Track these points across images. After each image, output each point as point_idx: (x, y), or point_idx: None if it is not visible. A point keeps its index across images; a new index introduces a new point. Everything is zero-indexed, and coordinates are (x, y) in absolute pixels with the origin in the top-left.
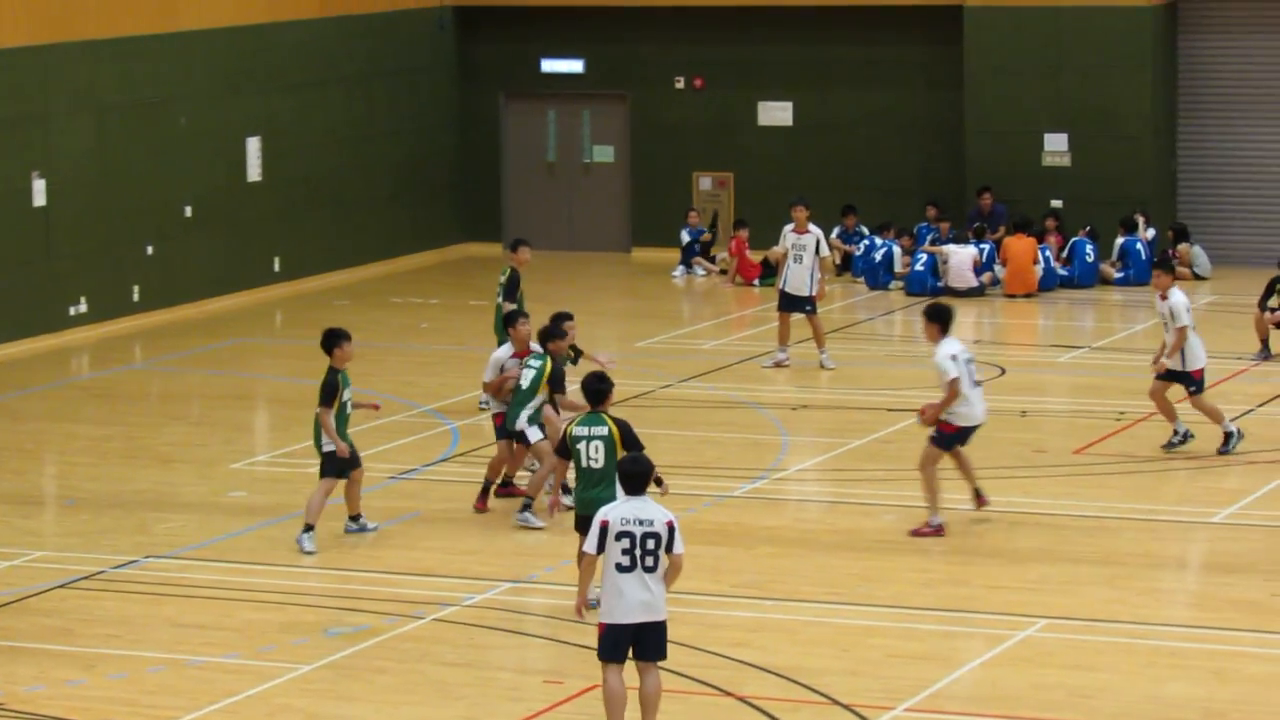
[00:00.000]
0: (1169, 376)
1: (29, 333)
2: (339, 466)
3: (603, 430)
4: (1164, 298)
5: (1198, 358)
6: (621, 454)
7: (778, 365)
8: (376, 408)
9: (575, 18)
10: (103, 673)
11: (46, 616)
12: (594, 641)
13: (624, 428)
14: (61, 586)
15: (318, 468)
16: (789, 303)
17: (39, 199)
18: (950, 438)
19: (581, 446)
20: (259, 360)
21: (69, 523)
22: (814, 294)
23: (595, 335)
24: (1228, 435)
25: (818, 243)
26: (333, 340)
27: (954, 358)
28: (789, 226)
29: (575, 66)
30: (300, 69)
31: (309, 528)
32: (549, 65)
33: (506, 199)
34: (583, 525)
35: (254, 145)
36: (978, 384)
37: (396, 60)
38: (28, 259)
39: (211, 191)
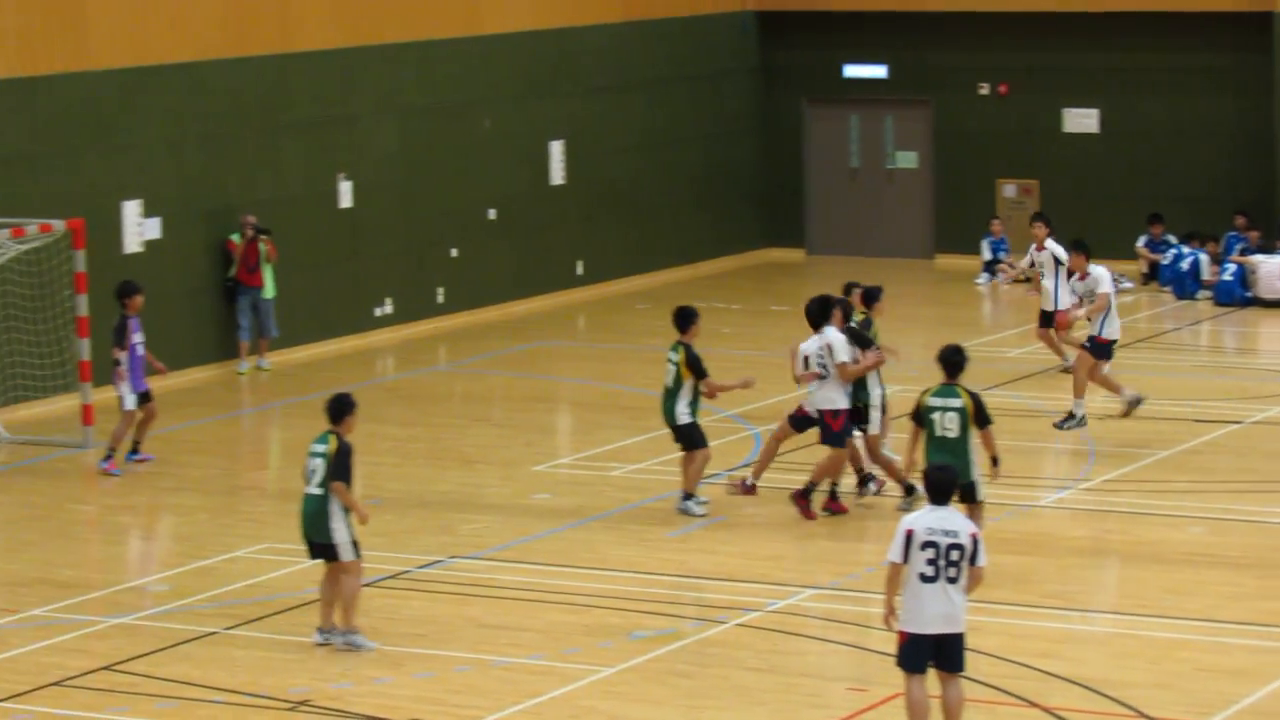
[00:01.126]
0: None
1: (335, 333)
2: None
3: (957, 402)
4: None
5: None
6: (973, 427)
7: (1065, 371)
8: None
9: (878, 23)
10: (409, 671)
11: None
12: (895, 651)
13: (977, 401)
14: (368, 585)
15: (620, 471)
16: (1044, 319)
17: (345, 201)
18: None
19: (936, 417)
20: (560, 363)
21: (374, 523)
22: (1059, 309)
23: (901, 343)
24: None
25: (1054, 259)
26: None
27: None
28: (1033, 245)
29: (878, 72)
30: (602, 73)
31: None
32: (851, 70)
33: (809, 204)
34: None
35: (557, 149)
36: None
37: (699, 65)
38: (334, 260)
39: (514, 195)
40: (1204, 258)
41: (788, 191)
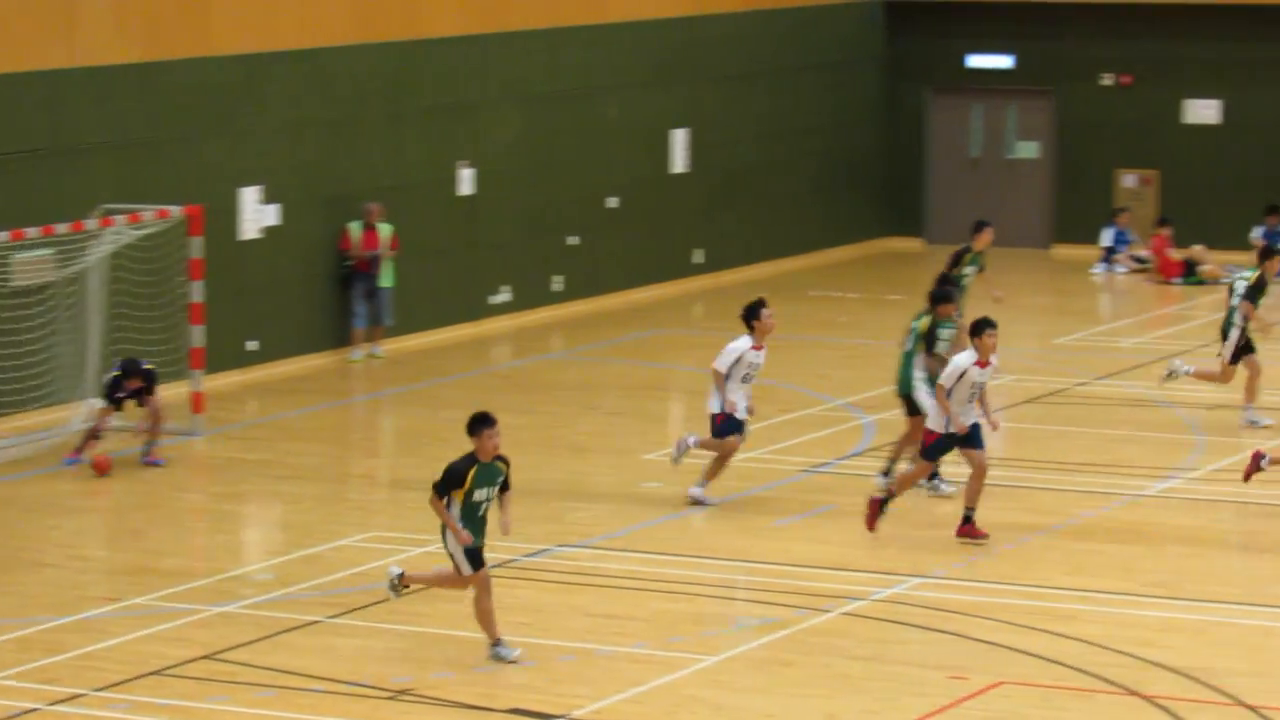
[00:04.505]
0: None
1: (450, 320)
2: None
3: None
4: None
5: None
6: None
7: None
8: None
9: (1002, 13)
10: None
11: (453, 603)
12: (1001, 639)
13: None
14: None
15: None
16: None
17: (465, 187)
18: None
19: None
20: (676, 351)
21: None
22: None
23: (1015, 331)
24: None
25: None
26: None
27: None
28: None
29: (1002, 62)
30: (727, 61)
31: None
32: (975, 60)
33: (929, 193)
34: None
35: (680, 137)
36: None
37: (823, 54)
38: (452, 247)
39: (635, 183)
40: None
41: (908, 181)
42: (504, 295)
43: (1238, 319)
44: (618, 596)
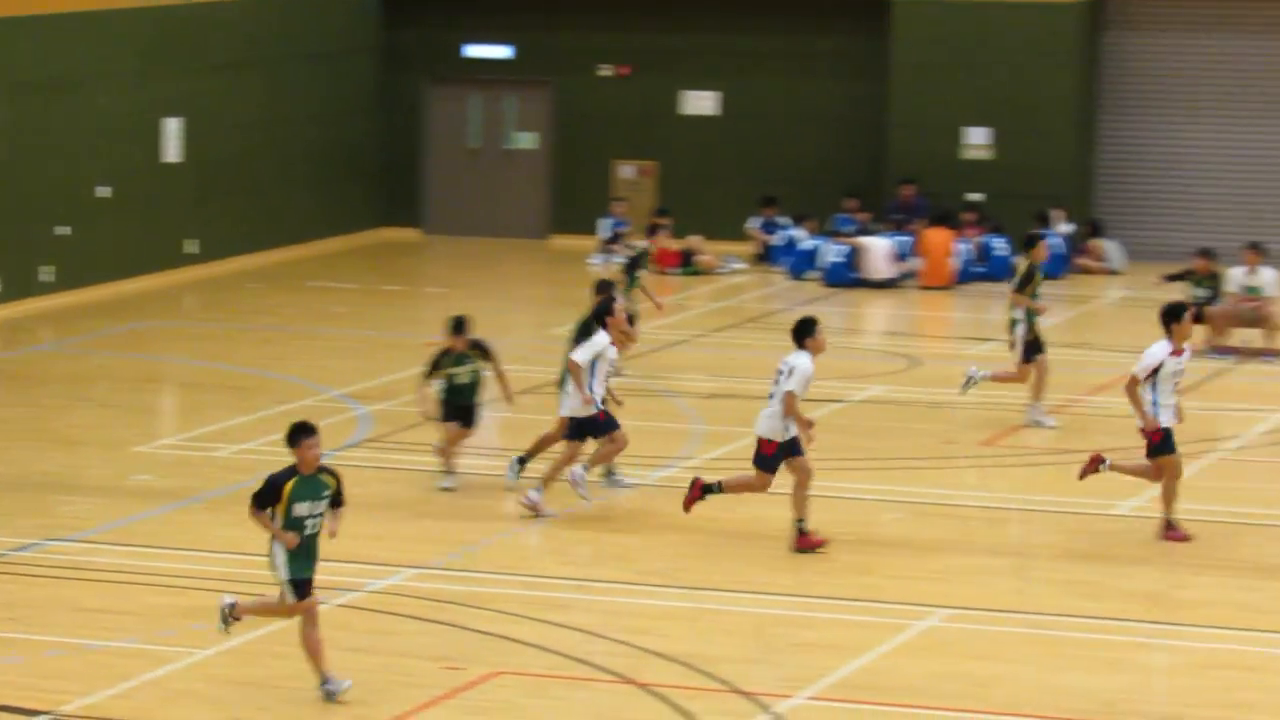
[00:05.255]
0: None
1: None
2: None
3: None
4: None
5: None
6: None
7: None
8: None
9: (501, 3)
10: None
11: None
12: (497, 629)
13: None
14: None
15: (225, 452)
16: None
17: None
18: None
19: None
20: (167, 343)
21: None
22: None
23: (512, 322)
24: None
25: None
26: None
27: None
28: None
29: (500, 52)
30: (221, 50)
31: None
32: (473, 50)
33: (427, 184)
34: None
35: (172, 126)
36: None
37: (319, 43)
38: None
39: (127, 172)
40: (825, 243)
41: (405, 172)
42: None
43: (1019, 314)
44: (108, 590)
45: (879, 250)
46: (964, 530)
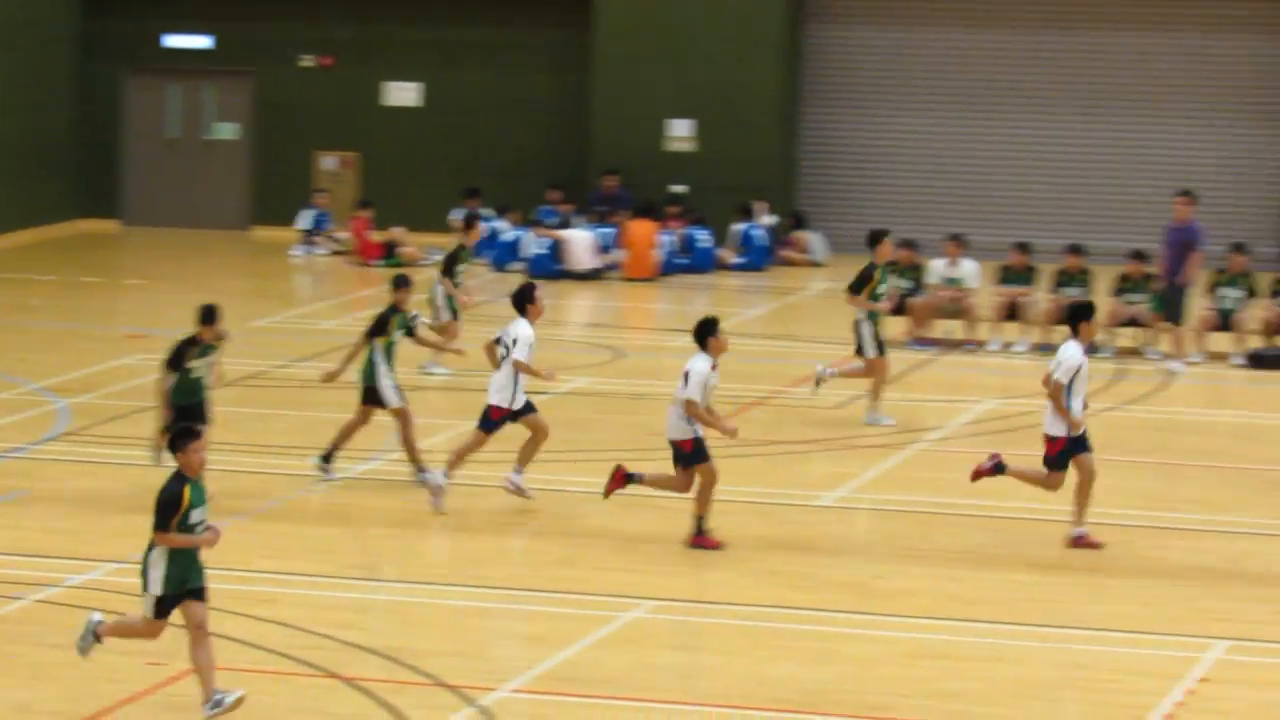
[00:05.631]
0: None
1: None
2: None
3: None
4: None
5: None
6: None
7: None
8: None
9: None
10: None
11: None
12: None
13: None
14: None
15: None
16: None
17: None
18: None
19: None
20: None
21: None
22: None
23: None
24: None
25: None
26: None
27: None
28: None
29: (201, 42)
30: None
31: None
32: (172, 40)
33: (125, 175)
34: None
35: None
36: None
37: (15, 31)
38: None
39: None
40: (528, 234)
41: (103, 162)
42: None
43: (861, 314)
44: None
45: (582, 242)
46: (669, 521)
